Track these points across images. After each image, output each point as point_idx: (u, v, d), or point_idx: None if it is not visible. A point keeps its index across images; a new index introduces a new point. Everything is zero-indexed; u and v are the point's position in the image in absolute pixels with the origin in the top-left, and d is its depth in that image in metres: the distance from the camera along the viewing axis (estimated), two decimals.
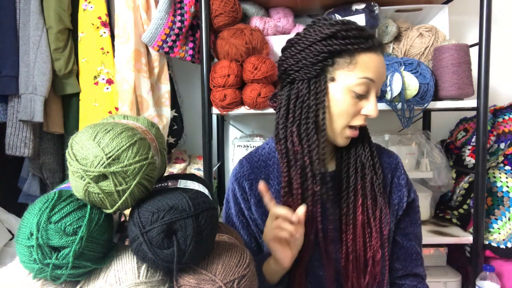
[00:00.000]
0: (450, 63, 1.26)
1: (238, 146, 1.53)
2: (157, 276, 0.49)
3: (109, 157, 0.45)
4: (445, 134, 1.72)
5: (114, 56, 1.31)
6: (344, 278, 0.77)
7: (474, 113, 1.35)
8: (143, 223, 0.46)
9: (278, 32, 1.47)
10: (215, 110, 1.33)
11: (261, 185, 0.70)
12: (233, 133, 1.85)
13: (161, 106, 1.43)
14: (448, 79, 1.27)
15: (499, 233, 1.34)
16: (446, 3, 1.47)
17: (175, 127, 1.54)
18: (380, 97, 1.29)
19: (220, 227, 0.66)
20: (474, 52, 1.27)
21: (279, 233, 0.68)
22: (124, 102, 1.29)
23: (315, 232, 0.75)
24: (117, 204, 0.47)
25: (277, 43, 1.43)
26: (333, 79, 0.74)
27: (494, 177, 1.37)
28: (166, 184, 0.54)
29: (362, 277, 0.76)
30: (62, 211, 0.46)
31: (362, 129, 0.81)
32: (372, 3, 1.36)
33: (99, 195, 0.46)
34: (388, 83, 1.26)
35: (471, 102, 1.28)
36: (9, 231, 1.36)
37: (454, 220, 1.48)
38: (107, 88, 1.32)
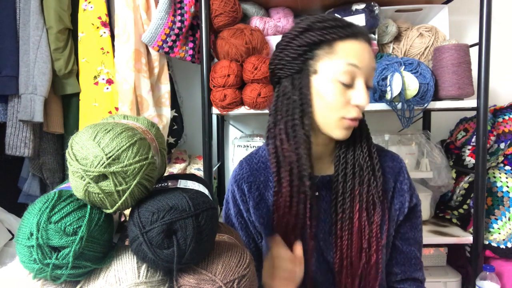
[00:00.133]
0: (450, 63, 1.26)
1: (238, 146, 1.53)
2: (157, 276, 0.49)
3: (109, 157, 0.45)
4: (445, 134, 1.73)
5: (114, 56, 1.31)
6: (338, 283, 0.77)
7: (474, 113, 1.35)
8: (143, 223, 0.46)
9: (278, 32, 1.47)
10: (215, 110, 1.33)
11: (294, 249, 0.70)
12: (233, 133, 1.85)
13: (161, 106, 1.43)
14: (448, 79, 1.27)
15: (499, 233, 1.34)
16: (446, 3, 1.47)
17: (175, 127, 1.54)
18: (380, 97, 1.29)
19: (220, 227, 0.66)
20: (474, 52, 1.27)
21: (280, 273, 0.68)
22: (124, 102, 1.29)
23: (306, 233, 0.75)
24: (117, 204, 0.47)
25: None
26: (315, 72, 0.73)
27: (494, 177, 1.37)
28: (166, 184, 0.54)
29: (357, 284, 0.75)
30: (62, 211, 0.46)
31: (362, 131, 0.79)
32: (372, 3, 1.36)
33: (99, 195, 0.46)
34: (388, 83, 1.26)
35: (471, 102, 1.28)
36: (9, 231, 1.36)
37: (454, 220, 1.48)
38: (107, 88, 1.32)
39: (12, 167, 1.47)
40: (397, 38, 1.49)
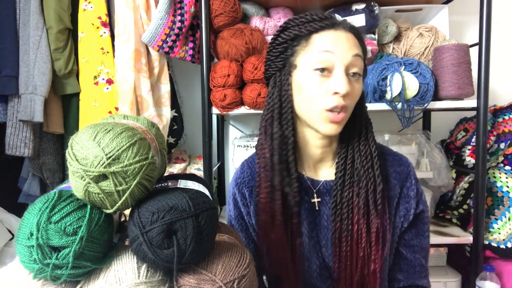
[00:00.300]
0: (450, 63, 1.26)
1: (238, 146, 1.53)
2: (157, 276, 0.49)
3: (109, 157, 0.45)
4: (445, 134, 1.72)
5: (114, 56, 1.31)
6: None
7: (474, 113, 1.35)
8: (143, 223, 0.46)
9: None
10: (215, 110, 1.33)
11: None
12: (233, 133, 1.85)
13: (161, 106, 1.43)
14: (448, 79, 1.27)
15: (499, 233, 1.34)
16: (446, 3, 1.47)
17: (175, 127, 1.54)
18: (380, 97, 1.29)
19: (220, 227, 0.66)
20: (474, 52, 1.27)
21: None
22: (124, 102, 1.29)
23: (289, 234, 0.75)
24: (117, 204, 0.47)
25: None
26: (295, 67, 0.73)
27: (494, 177, 1.37)
28: (166, 184, 0.54)
29: None
30: (62, 211, 0.46)
31: (368, 134, 0.76)
32: (372, 3, 1.36)
33: (99, 195, 0.46)
34: (388, 83, 1.26)
35: (471, 102, 1.28)
36: (9, 231, 1.36)
37: (454, 220, 1.48)
38: (107, 88, 1.32)
39: (12, 167, 1.47)
40: (397, 38, 1.49)
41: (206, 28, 1.30)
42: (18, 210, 1.40)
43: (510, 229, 1.32)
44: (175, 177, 0.59)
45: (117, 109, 1.31)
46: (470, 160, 1.43)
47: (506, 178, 1.35)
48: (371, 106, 1.29)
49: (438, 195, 1.53)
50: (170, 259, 0.46)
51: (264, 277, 0.85)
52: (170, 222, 0.46)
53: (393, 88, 1.25)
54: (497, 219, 1.35)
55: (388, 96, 1.27)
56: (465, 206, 1.42)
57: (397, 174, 0.79)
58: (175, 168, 1.50)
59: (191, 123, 1.73)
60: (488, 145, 1.38)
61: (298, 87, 0.72)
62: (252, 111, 1.32)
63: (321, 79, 0.69)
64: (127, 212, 0.52)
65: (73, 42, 1.32)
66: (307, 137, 0.77)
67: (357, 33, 0.72)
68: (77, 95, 1.33)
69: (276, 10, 1.49)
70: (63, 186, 0.55)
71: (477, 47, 1.25)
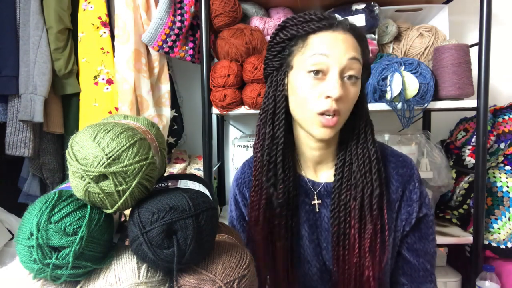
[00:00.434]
0: (450, 63, 1.26)
1: (238, 146, 1.53)
2: (157, 276, 0.49)
3: (109, 157, 0.45)
4: (445, 134, 1.72)
5: (114, 56, 1.31)
6: None
7: (474, 113, 1.35)
8: (143, 223, 0.46)
9: None
10: (215, 110, 1.33)
11: None
12: (233, 133, 1.85)
13: (161, 106, 1.43)
14: (448, 79, 1.27)
15: (499, 233, 1.34)
16: (446, 3, 1.47)
17: (175, 127, 1.54)
18: (380, 97, 1.29)
19: (220, 227, 0.66)
20: (474, 52, 1.27)
21: None
22: (124, 102, 1.29)
23: (268, 233, 0.75)
24: (117, 204, 0.47)
25: None
26: (291, 67, 0.72)
27: (494, 177, 1.37)
28: (166, 184, 0.54)
29: None
30: (62, 211, 0.46)
31: (367, 136, 0.75)
32: (372, 3, 1.36)
33: (99, 195, 0.46)
34: (388, 83, 1.26)
35: (471, 102, 1.28)
36: (9, 231, 1.36)
37: (454, 220, 1.48)
38: (107, 88, 1.32)
39: (12, 167, 1.47)
40: (397, 38, 1.49)
41: (206, 28, 1.30)
42: (18, 210, 1.40)
43: (510, 229, 1.32)
44: (175, 177, 0.59)
45: (117, 109, 1.31)
46: (470, 160, 1.43)
47: (506, 178, 1.35)
48: (371, 106, 1.29)
49: (438, 195, 1.53)
50: (170, 259, 0.46)
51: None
52: (170, 222, 0.46)
53: (393, 88, 1.25)
54: (497, 219, 1.35)
55: (388, 96, 1.27)
56: (465, 206, 1.42)
57: (400, 177, 0.77)
58: (175, 168, 1.50)
59: (191, 123, 1.73)
60: (488, 145, 1.38)
61: (293, 89, 0.72)
62: (252, 111, 1.32)
63: (315, 82, 0.68)
64: (127, 212, 0.52)
65: (73, 42, 1.32)
66: (303, 138, 0.77)
67: (358, 34, 0.70)
68: (77, 95, 1.33)
69: (276, 10, 1.49)
70: (63, 186, 0.55)
71: (477, 47, 1.25)
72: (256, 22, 1.42)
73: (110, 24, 1.33)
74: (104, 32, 1.30)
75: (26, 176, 1.43)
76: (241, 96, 1.33)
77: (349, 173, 0.74)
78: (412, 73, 1.25)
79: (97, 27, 1.30)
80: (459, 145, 1.54)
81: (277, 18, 1.47)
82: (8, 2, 1.26)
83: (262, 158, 0.75)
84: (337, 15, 0.73)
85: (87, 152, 0.45)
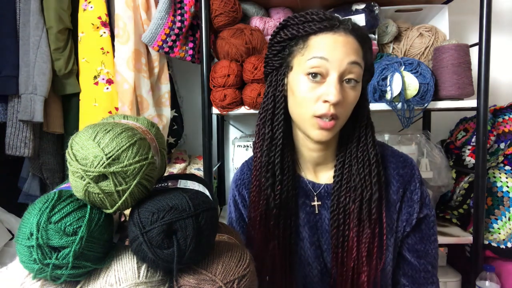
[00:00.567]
0: (450, 63, 1.26)
1: (238, 146, 1.53)
2: (157, 276, 0.49)
3: (109, 157, 0.45)
4: (445, 134, 1.72)
5: (114, 56, 1.31)
6: None
7: (474, 113, 1.35)
8: (143, 223, 0.46)
9: None
10: (215, 110, 1.33)
11: None
12: (233, 133, 1.85)
13: (161, 106, 1.43)
14: (448, 79, 1.27)
15: (499, 233, 1.34)
16: (446, 3, 1.47)
17: (175, 127, 1.54)
18: (380, 97, 1.29)
19: (220, 227, 0.66)
20: (474, 52, 1.27)
21: None
22: (124, 102, 1.29)
23: (267, 231, 0.75)
24: (117, 204, 0.47)
25: None
26: (291, 68, 0.72)
27: (494, 177, 1.37)
28: (166, 184, 0.54)
29: None
30: (62, 211, 0.46)
31: (362, 137, 0.74)
32: (372, 3, 1.36)
33: (99, 195, 0.46)
34: (388, 83, 1.26)
35: (471, 102, 1.28)
36: (9, 231, 1.36)
37: (454, 220, 1.48)
38: (107, 88, 1.32)
39: (12, 167, 1.47)
40: (397, 38, 1.49)
41: (206, 28, 1.30)
42: (18, 210, 1.40)
43: (510, 229, 1.32)
44: (175, 177, 0.59)
45: (117, 109, 1.31)
46: (470, 160, 1.43)
47: (506, 178, 1.35)
48: (371, 106, 1.28)
49: (438, 195, 1.53)
50: (170, 259, 0.46)
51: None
52: (170, 222, 0.46)
53: (393, 88, 1.25)
54: (497, 219, 1.35)
55: (388, 96, 1.27)
56: (465, 206, 1.42)
57: (400, 177, 0.76)
58: (175, 168, 1.50)
59: (191, 123, 1.73)
60: (488, 145, 1.38)
61: (291, 90, 0.71)
62: (252, 111, 1.32)
63: (313, 84, 0.67)
64: (127, 212, 0.52)
65: (73, 42, 1.32)
66: (302, 140, 0.76)
67: (360, 35, 0.69)
68: (77, 95, 1.33)
69: (276, 10, 1.50)
70: (63, 186, 0.55)
71: (477, 47, 1.25)
72: (256, 22, 1.42)
73: (110, 24, 1.33)
74: (104, 32, 1.30)
75: (26, 176, 1.43)
76: (241, 96, 1.33)
77: (349, 176, 0.74)
78: (412, 73, 1.25)
79: (97, 27, 1.30)
80: (459, 145, 1.54)
81: (277, 18, 1.47)
82: (8, 2, 1.26)
83: (261, 158, 0.75)
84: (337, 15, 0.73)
85: (87, 152, 0.45)
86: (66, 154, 0.46)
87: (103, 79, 1.31)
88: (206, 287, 0.47)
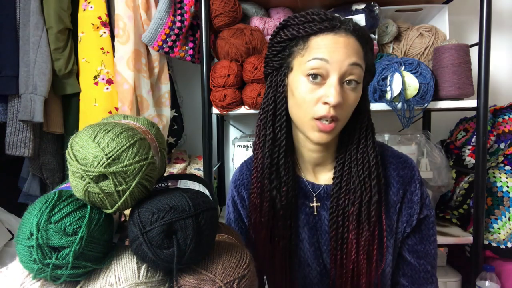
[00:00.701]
0: (450, 63, 1.26)
1: (238, 146, 1.53)
2: (157, 276, 0.49)
3: (109, 157, 0.45)
4: (445, 134, 1.73)
5: (114, 56, 1.31)
6: None
7: (474, 113, 1.35)
8: (143, 223, 0.46)
9: None
10: (215, 110, 1.33)
11: None
12: (233, 133, 1.85)
13: (161, 106, 1.43)
14: (448, 79, 1.27)
15: (499, 233, 1.34)
16: (446, 3, 1.47)
17: (175, 127, 1.54)
18: (380, 97, 1.29)
19: (220, 227, 0.66)
20: (474, 52, 1.27)
21: None
22: (124, 102, 1.29)
23: (268, 231, 0.75)
24: (117, 204, 0.47)
25: None
26: (291, 69, 0.71)
27: (494, 177, 1.37)
28: (166, 184, 0.54)
29: None
30: (62, 211, 0.46)
31: (362, 139, 0.74)
32: (372, 3, 1.36)
33: (99, 195, 0.46)
34: (388, 83, 1.26)
35: (471, 102, 1.28)
36: (9, 231, 1.36)
37: (454, 220, 1.48)
38: (107, 88, 1.32)
39: (12, 167, 1.47)
40: (397, 38, 1.49)
41: (206, 28, 1.30)
42: (18, 210, 1.41)
43: (510, 229, 1.32)
44: (175, 177, 0.59)
45: (117, 109, 1.31)
46: (470, 160, 1.43)
47: (506, 178, 1.35)
48: (371, 106, 1.29)
49: (438, 195, 1.53)
50: (170, 259, 0.46)
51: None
52: (170, 222, 0.46)
53: (393, 88, 1.25)
54: (497, 219, 1.35)
55: (388, 96, 1.27)
56: (465, 206, 1.42)
57: (401, 178, 0.76)
58: (175, 168, 1.50)
59: (191, 123, 1.73)
60: (488, 145, 1.38)
61: (292, 91, 0.71)
62: (252, 111, 1.32)
63: (313, 86, 0.67)
64: (127, 212, 0.52)
65: (73, 42, 1.32)
66: (302, 141, 0.76)
67: (361, 35, 0.68)
68: (77, 95, 1.33)
69: (276, 10, 1.50)
70: (63, 186, 0.55)
71: (477, 47, 1.25)
72: (256, 22, 1.42)
73: (110, 24, 1.33)
74: (104, 32, 1.30)
75: (26, 176, 1.43)
76: (241, 96, 1.33)
77: (348, 177, 0.73)
78: (412, 73, 1.25)
79: (97, 27, 1.30)
80: (459, 145, 1.54)
81: (277, 18, 1.47)
82: (8, 2, 1.26)
83: (263, 160, 0.74)
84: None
85: (87, 152, 0.45)
86: (66, 154, 0.46)
87: (103, 79, 1.31)
88: (206, 287, 0.47)
